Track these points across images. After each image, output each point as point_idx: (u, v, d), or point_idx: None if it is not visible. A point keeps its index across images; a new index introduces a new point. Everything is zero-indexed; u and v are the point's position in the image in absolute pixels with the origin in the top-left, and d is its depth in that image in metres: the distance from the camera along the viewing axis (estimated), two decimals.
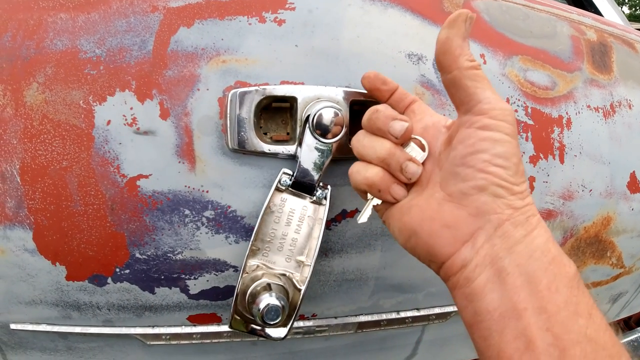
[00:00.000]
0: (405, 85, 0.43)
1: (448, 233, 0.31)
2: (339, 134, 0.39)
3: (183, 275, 0.44)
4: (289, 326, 0.42)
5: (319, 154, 0.40)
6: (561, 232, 0.54)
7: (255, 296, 0.40)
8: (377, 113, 0.35)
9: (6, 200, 0.40)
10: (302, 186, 0.41)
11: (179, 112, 0.40)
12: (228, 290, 0.46)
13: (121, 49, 0.39)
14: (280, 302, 0.39)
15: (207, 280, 0.45)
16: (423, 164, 0.35)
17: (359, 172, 0.35)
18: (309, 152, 0.40)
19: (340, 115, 0.39)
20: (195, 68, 0.40)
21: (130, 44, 0.39)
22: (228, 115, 0.40)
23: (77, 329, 0.46)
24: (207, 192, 0.42)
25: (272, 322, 0.39)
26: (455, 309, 0.53)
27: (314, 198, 0.42)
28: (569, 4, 0.80)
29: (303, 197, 0.42)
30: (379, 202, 0.36)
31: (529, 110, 0.49)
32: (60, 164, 0.39)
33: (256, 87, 0.40)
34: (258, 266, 0.42)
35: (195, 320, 0.48)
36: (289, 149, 0.42)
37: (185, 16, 0.40)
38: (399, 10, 0.45)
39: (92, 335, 0.47)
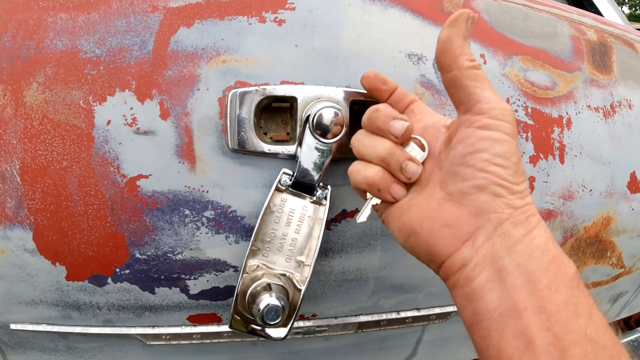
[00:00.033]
0: (405, 85, 0.43)
1: (448, 232, 0.31)
2: (339, 134, 0.39)
3: (183, 276, 0.44)
4: (289, 326, 0.42)
5: (319, 154, 0.40)
6: (561, 232, 0.54)
7: (255, 296, 0.40)
8: (377, 112, 0.35)
9: (6, 200, 0.40)
10: (302, 186, 0.41)
11: (179, 112, 0.40)
12: (228, 291, 0.46)
13: (121, 49, 0.39)
14: (281, 302, 0.39)
15: (207, 281, 0.45)
16: (423, 163, 0.35)
17: (359, 171, 0.35)
18: (309, 152, 0.40)
19: (340, 115, 0.39)
20: (195, 68, 0.40)
21: (130, 44, 0.39)
22: (228, 115, 0.40)
23: (77, 329, 0.46)
24: (207, 192, 0.42)
25: (272, 322, 0.39)
26: (455, 309, 0.53)
27: (314, 198, 0.42)
28: (569, 4, 0.80)
29: (303, 197, 0.42)
30: (379, 201, 0.36)
31: (529, 110, 0.49)
32: (60, 164, 0.39)
33: (256, 87, 0.40)
34: (258, 266, 0.42)
35: (195, 320, 0.48)
36: (289, 149, 0.42)
37: (185, 16, 0.40)
38: (399, 10, 0.45)
39: (92, 335, 0.47)
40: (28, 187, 0.39)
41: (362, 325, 0.53)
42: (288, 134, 0.43)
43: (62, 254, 0.42)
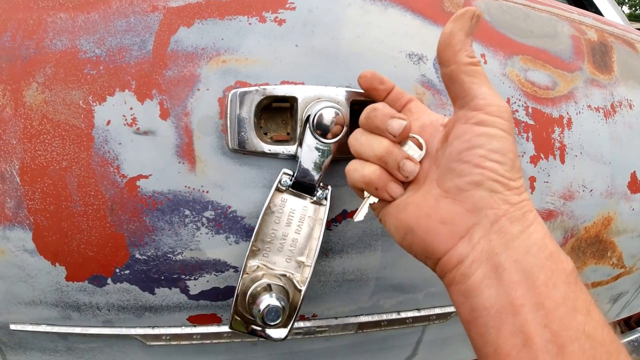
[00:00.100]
0: (405, 85, 0.43)
1: (444, 229, 0.31)
2: (339, 134, 0.39)
3: (183, 276, 0.44)
4: (289, 327, 0.42)
5: (319, 154, 0.40)
6: (562, 232, 0.54)
7: (255, 297, 0.40)
8: (375, 111, 0.35)
9: (6, 201, 0.39)
10: (302, 186, 0.41)
11: (179, 112, 0.40)
12: (228, 291, 0.46)
13: (121, 48, 0.39)
14: (281, 303, 0.39)
15: (207, 281, 0.45)
16: (420, 162, 0.35)
17: (356, 169, 0.35)
18: (309, 152, 0.40)
19: (340, 115, 0.39)
20: (195, 68, 0.40)
21: (130, 44, 0.39)
22: (228, 115, 0.40)
23: (77, 330, 0.46)
24: (207, 192, 0.41)
25: (272, 323, 0.39)
26: None
27: (315, 198, 0.42)
28: (570, 4, 0.80)
29: (303, 198, 0.42)
30: (376, 200, 0.36)
31: (530, 110, 0.49)
32: (60, 164, 0.39)
33: (256, 87, 0.40)
34: (258, 267, 0.42)
35: (195, 320, 0.48)
36: (289, 149, 0.42)
37: (185, 16, 0.40)
38: (399, 10, 0.45)
39: (92, 335, 0.47)
40: (28, 187, 0.39)
41: (362, 326, 0.53)
42: (288, 134, 0.43)
43: (62, 255, 0.41)
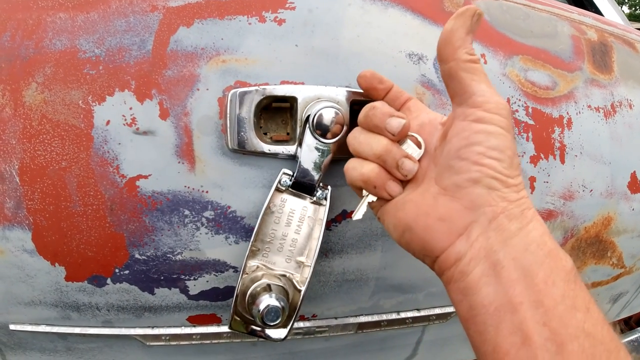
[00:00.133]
0: (405, 85, 0.43)
1: (443, 226, 0.31)
2: (339, 134, 0.39)
3: (183, 276, 0.44)
4: (289, 327, 0.42)
5: (319, 154, 0.40)
6: (562, 232, 0.54)
7: (255, 297, 0.40)
8: (374, 110, 0.35)
9: (5, 201, 0.39)
10: (302, 186, 0.41)
11: (179, 112, 0.40)
12: (228, 291, 0.46)
13: (120, 48, 0.39)
14: (280, 303, 0.39)
15: (207, 281, 0.45)
16: (419, 161, 0.35)
17: (355, 168, 0.35)
18: (309, 152, 0.40)
19: (340, 115, 0.39)
20: (194, 68, 0.40)
21: (129, 44, 0.39)
22: (228, 115, 0.40)
23: (77, 330, 0.46)
24: (207, 192, 0.41)
25: (272, 323, 0.39)
26: None
27: (314, 198, 0.42)
28: (570, 4, 0.79)
29: (303, 198, 0.42)
30: (374, 198, 0.36)
31: (530, 110, 0.49)
32: (60, 164, 0.39)
33: (256, 87, 0.40)
34: (258, 267, 0.42)
35: (195, 320, 0.48)
36: (289, 149, 0.41)
37: (185, 16, 0.40)
38: (399, 10, 0.45)
39: (91, 336, 0.47)
40: (27, 187, 0.39)
41: (362, 326, 0.53)
42: (288, 134, 0.42)
43: (62, 255, 0.41)
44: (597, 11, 0.85)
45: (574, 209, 0.53)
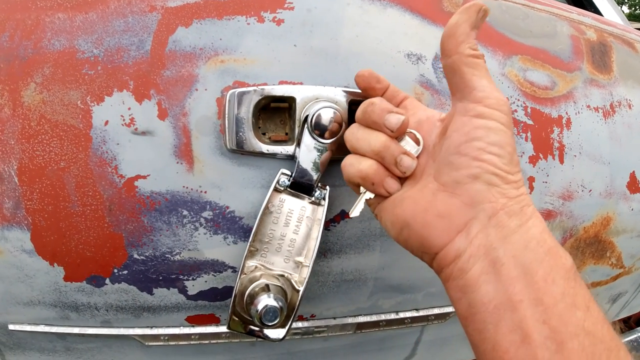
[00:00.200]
0: (404, 85, 0.43)
1: (442, 223, 0.31)
2: (337, 134, 0.39)
3: (181, 276, 0.44)
4: (287, 327, 0.42)
5: (318, 154, 0.40)
6: (561, 232, 0.54)
7: (253, 297, 0.40)
8: (372, 106, 0.35)
9: (4, 201, 0.39)
10: (300, 186, 0.41)
11: (177, 113, 0.40)
12: (226, 291, 0.46)
13: (119, 48, 0.39)
14: (279, 303, 0.39)
15: (206, 281, 0.45)
16: (417, 157, 0.35)
17: (352, 164, 0.35)
18: (308, 152, 0.40)
19: (338, 115, 0.39)
20: (193, 68, 0.40)
21: (128, 44, 0.39)
22: (226, 116, 0.40)
23: (76, 330, 0.46)
24: (206, 192, 0.41)
25: (270, 323, 0.39)
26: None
27: (313, 198, 0.42)
28: (569, 4, 0.79)
29: (301, 198, 0.42)
30: (372, 195, 0.36)
31: (529, 110, 0.49)
32: (58, 165, 0.39)
33: (254, 87, 0.40)
34: (256, 267, 0.42)
35: (193, 321, 0.48)
36: (288, 149, 0.41)
37: (184, 16, 0.40)
38: (398, 10, 0.45)
39: (90, 336, 0.47)
40: (26, 187, 0.39)
41: (361, 326, 0.53)
42: (286, 134, 0.42)
43: (60, 255, 0.41)
44: (596, 11, 0.85)
45: (573, 209, 0.53)
